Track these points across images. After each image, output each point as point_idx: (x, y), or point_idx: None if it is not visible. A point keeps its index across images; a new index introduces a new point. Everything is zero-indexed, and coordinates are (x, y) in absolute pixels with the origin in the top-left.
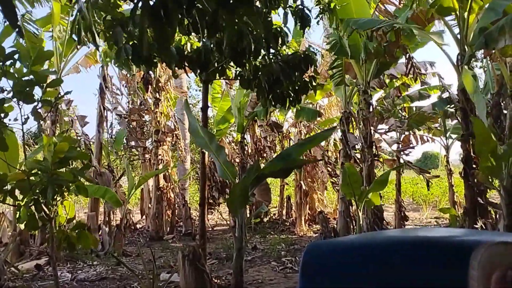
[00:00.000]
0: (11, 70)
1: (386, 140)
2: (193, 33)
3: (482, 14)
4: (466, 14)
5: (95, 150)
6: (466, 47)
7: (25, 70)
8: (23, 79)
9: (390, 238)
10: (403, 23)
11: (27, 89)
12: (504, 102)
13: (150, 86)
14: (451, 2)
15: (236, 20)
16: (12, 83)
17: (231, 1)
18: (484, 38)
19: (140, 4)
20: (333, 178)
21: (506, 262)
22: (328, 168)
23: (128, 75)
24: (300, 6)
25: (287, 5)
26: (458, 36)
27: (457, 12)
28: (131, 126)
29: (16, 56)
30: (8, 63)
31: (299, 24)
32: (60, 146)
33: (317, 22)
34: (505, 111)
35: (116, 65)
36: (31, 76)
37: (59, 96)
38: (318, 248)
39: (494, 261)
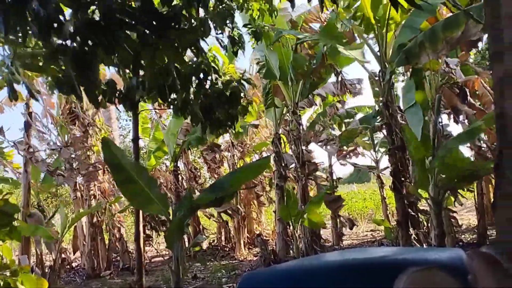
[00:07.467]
0: None
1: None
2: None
3: (399, 31)
4: (384, 31)
5: (22, 191)
6: (386, 64)
7: None
8: None
9: (325, 264)
10: (327, 39)
11: None
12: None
13: (77, 121)
14: (370, 21)
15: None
16: None
17: (151, 43)
18: (405, 54)
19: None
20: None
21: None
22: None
23: (51, 110)
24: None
25: (223, 30)
26: (378, 53)
27: (376, 31)
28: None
29: None
30: None
31: (233, 48)
32: None
33: (252, 46)
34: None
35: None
36: None
37: None
38: (252, 278)
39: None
